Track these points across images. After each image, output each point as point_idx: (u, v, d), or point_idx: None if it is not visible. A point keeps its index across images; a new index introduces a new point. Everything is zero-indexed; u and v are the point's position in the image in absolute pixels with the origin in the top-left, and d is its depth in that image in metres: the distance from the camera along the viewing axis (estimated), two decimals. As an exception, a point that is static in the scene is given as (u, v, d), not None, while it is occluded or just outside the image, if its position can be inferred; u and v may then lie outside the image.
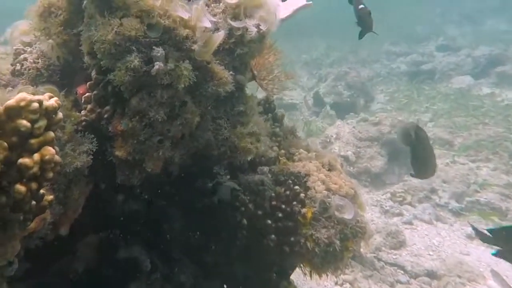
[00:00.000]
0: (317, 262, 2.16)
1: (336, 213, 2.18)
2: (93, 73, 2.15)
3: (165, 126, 1.96)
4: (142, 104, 1.94)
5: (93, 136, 1.91)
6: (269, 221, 2.29)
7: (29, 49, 2.67)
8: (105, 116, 2.06)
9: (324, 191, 2.23)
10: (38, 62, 2.52)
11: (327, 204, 2.20)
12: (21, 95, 1.36)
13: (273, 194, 2.36)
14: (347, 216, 2.17)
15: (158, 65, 1.87)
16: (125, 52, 1.88)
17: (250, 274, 2.43)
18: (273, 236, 2.27)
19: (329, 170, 2.40)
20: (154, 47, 1.89)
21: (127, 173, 2.02)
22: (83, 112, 2.10)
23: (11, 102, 1.35)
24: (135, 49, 1.87)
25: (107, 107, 2.07)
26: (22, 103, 1.34)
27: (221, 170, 2.63)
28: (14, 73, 2.57)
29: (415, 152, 2.70)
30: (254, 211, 2.31)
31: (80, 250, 2.16)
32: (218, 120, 2.22)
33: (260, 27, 2.13)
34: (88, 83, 2.15)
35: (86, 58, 2.07)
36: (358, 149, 5.85)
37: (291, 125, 3.19)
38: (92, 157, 1.87)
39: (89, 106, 2.09)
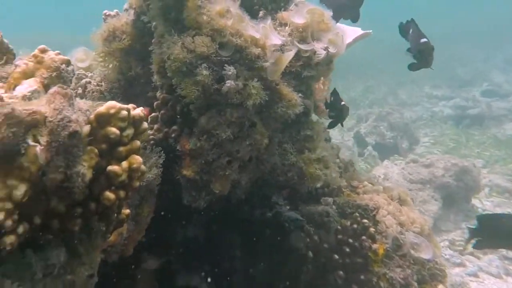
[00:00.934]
0: (392, 303, 2.04)
1: (412, 251, 2.08)
2: (160, 93, 2.25)
3: (234, 146, 1.99)
4: (211, 123, 1.99)
5: (160, 149, 1.94)
6: (336, 256, 2.21)
7: (90, 74, 2.85)
8: (172, 135, 2.12)
9: (396, 226, 2.15)
10: (102, 85, 2.68)
11: (401, 241, 2.11)
12: (110, 103, 1.43)
13: (339, 227, 2.30)
14: (425, 255, 2.07)
15: (229, 83, 1.94)
16: (195, 70, 1.96)
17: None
18: (341, 272, 2.18)
19: (400, 204, 2.33)
20: (225, 65, 1.97)
21: (193, 194, 2.03)
22: (149, 132, 2.17)
23: (102, 109, 1.41)
24: (206, 66, 1.94)
25: (174, 127, 2.14)
26: (112, 111, 1.41)
27: (279, 200, 2.61)
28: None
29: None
30: (320, 244, 2.25)
31: (139, 275, 2.14)
32: (284, 144, 2.23)
33: (329, 49, 2.19)
34: (155, 103, 2.24)
35: (155, 77, 2.17)
36: (409, 192, 5.68)
37: (348, 158, 3.17)
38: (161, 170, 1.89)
39: (155, 126, 2.16)
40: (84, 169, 1.30)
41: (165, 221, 2.30)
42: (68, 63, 1.59)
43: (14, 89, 1.44)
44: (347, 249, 2.21)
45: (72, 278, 1.31)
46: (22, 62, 1.52)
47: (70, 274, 1.31)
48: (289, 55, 2.02)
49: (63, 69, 1.56)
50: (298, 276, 2.24)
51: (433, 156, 6.33)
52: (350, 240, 2.22)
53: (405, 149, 9.50)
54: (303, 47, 2.17)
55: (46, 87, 1.50)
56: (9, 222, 1.12)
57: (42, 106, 1.26)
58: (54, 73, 1.53)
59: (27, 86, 1.45)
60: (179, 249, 2.31)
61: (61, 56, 1.58)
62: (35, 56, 1.55)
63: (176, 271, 2.24)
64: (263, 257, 2.38)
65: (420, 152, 9.12)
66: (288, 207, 2.55)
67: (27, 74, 1.50)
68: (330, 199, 2.41)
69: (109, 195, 1.33)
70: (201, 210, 2.23)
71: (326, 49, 2.17)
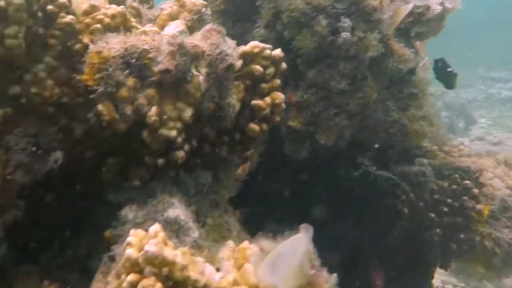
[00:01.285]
0: (496, 263, 2.01)
1: (524, 215, 2.03)
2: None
3: (344, 99, 1.99)
4: (322, 76, 1.99)
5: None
6: (433, 215, 2.20)
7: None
8: (277, 87, 2.14)
9: (505, 189, 2.09)
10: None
11: (510, 203, 2.05)
12: (254, 43, 1.47)
13: (435, 187, 2.27)
14: (540, 220, 2.00)
15: (345, 35, 1.92)
16: (312, 21, 1.94)
17: (406, 266, 2.33)
18: (438, 230, 2.16)
19: (508, 169, 2.26)
20: (341, 17, 1.94)
21: (296, 144, 2.06)
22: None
23: (246, 48, 1.45)
24: (322, 17, 1.93)
25: (278, 80, 2.15)
26: (256, 50, 1.44)
27: (365, 160, 2.59)
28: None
29: None
30: (416, 202, 2.23)
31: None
32: (386, 101, 2.20)
33: (445, 4, 2.11)
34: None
35: (261, 32, 2.17)
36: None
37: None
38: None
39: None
40: (234, 100, 1.35)
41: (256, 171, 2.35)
42: (206, 7, 1.64)
43: (162, 29, 1.51)
44: (445, 209, 2.18)
45: (217, 198, 1.40)
46: (167, 5, 1.58)
47: (215, 194, 1.40)
48: (407, 7, 1.97)
49: (203, 12, 1.60)
50: (390, 232, 2.25)
51: (502, 134, 6.06)
52: (449, 200, 2.18)
53: (461, 129, 9.15)
54: (417, 2, 2.10)
55: (189, 29, 1.55)
56: (179, 139, 1.20)
57: (199, 41, 1.31)
58: (196, 16, 1.58)
59: (175, 26, 1.50)
60: (265, 200, 2.36)
61: (201, 1, 1.62)
62: (178, 0, 1.60)
63: (263, 220, 2.29)
64: (352, 213, 2.39)
65: (479, 134, 8.76)
66: (375, 168, 2.53)
67: (173, 17, 1.56)
68: (425, 160, 2.37)
69: (254, 126, 1.39)
70: (291, 163, 2.26)
71: (442, 4, 2.09)
